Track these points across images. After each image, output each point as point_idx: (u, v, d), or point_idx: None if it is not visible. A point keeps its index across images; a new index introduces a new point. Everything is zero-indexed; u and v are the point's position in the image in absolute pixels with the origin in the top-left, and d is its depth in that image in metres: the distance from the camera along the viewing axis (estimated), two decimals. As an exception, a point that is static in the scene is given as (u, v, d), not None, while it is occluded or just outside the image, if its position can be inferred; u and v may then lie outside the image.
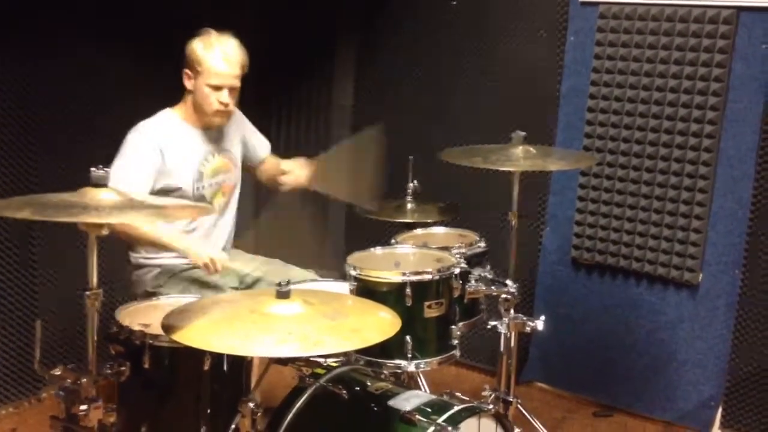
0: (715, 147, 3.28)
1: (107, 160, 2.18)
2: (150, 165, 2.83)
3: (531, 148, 2.90)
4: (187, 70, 2.87)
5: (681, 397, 3.50)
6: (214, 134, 3.01)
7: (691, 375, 3.47)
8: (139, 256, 2.98)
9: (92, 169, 2.08)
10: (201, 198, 2.94)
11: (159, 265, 2.95)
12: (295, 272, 3.04)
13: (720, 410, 3.42)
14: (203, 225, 2.99)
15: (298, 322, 2.00)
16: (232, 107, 2.92)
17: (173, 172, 2.88)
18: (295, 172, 3.22)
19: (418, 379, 3.13)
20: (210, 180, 2.99)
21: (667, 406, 3.53)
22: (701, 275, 3.38)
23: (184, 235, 2.92)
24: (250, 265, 3.08)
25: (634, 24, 3.39)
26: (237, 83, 2.88)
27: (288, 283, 2.07)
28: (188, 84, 2.88)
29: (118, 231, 2.78)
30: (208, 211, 2.28)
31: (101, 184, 2.06)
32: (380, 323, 2.11)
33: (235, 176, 3.11)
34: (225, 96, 2.85)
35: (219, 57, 2.82)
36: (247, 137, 3.19)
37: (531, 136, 3.66)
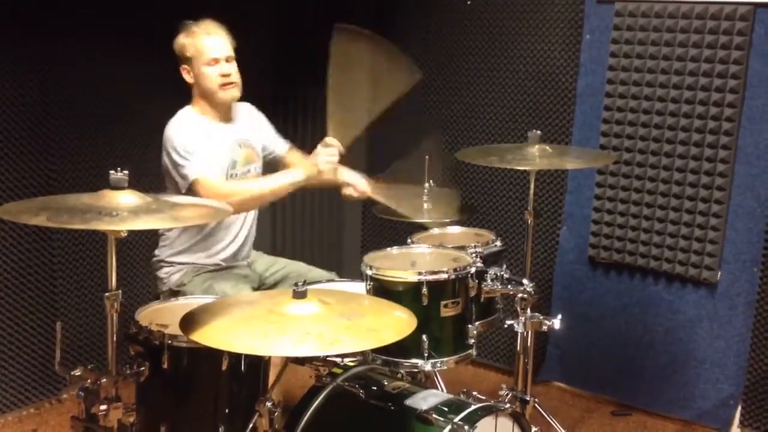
0: (732, 144, 3.26)
1: (127, 164, 2.21)
2: (205, 144, 2.86)
3: (547, 147, 2.90)
4: (182, 66, 2.91)
5: (700, 396, 3.48)
6: (236, 127, 3.03)
7: (710, 374, 3.45)
8: (163, 256, 3.00)
9: (111, 171, 2.10)
10: None
11: (183, 264, 2.97)
12: (316, 273, 3.06)
13: (739, 409, 3.40)
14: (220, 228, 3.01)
15: (315, 321, 2.01)
16: (237, 79, 2.92)
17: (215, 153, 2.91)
18: (359, 187, 3.10)
19: (435, 379, 3.13)
20: (242, 168, 3.01)
21: (685, 405, 3.52)
22: (720, 273, 3.37)
23: (283, 173, 2.93)
24: (272, 267, 3.10)
25: (650, 22, 3.38)
26: (231, 53, 2.90)
27: (305, 283, 2.08)
28: (189, 78, 2.91)
29: (236, 206, 2.70)
30: (227, 213, 2.29)
31: (120, 186, 2.08)
32: (396, 323, 2.11)
33: (260, 167, 3.11)
34: (225, 67, 2.88)
35: (203, 35, 2.88)
36: (264, 131, 3.18)
37: (547, 135, 3.69)
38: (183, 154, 2.81)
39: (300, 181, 2.87)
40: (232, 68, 2.90)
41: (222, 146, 2.95)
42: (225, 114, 2.99)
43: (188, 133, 2.86)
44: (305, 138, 4.34)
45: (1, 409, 3.35)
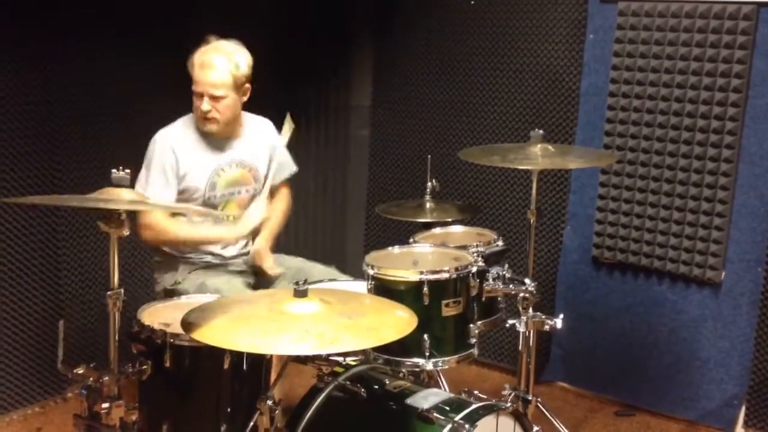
0: (736, 144, 3.26)
1: (129, 163, 2.22)
2: (168, 170, 2.89)
3: (549, 147, 2.90)
4: None
5: (704, 396, 3.47)
6: (233, 144, 3.02)
7: (714, 374, 3.44)
8: (161, 254, 3.02)
9: (113, 170, 2.11)
10: (211, 207, 2.97)
11: (177, 262, 2.99)
12: (317, 270, 3.06)
13: (743, 409, 3.39)
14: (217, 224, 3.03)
15: (315, 320, 2.01)
16: (216, 116, 2.89)
17: (187, 176, 2.92)
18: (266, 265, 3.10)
19: (439, 379, 3.13)
20: (223, 191, 3.01)
21: (689, 405, 3.51)
22: (724, 273, 3.36)
23: (212, 226, 2.98)
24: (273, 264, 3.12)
25: (654, 21, 3.38)
26: (217, 92, 2.86)
27: (305, 282, 2.09)
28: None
29: (150, 239, 2.92)
30: (224, 217, 2.32)
31: (121, 184, 2.09)
32: (397, 321, 2.12)
33: (254, 189, 3.09)
34: (205, 104, 2.86)
35: (198, 64, 2.86)
36: (275, 154, 3.11)
37: (551, 134, 3.69)
38: (143, 171, 2.90)
39: (214, 241, 3.01)
40: (217, 105, 2.87)
41: (206, 162, 2.96)
42: (227, 130, 2.98)
43: (156, 151, 2.90)
44: (308, 138, 4.37)
45: (6, 407, 3.37)
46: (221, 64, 2.85)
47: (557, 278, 3.80)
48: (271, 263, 3.04)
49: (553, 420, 3.10)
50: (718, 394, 3.44)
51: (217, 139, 2.98)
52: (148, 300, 2.66)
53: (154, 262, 3.04)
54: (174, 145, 2.91)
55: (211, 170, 2.96)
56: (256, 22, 3.84)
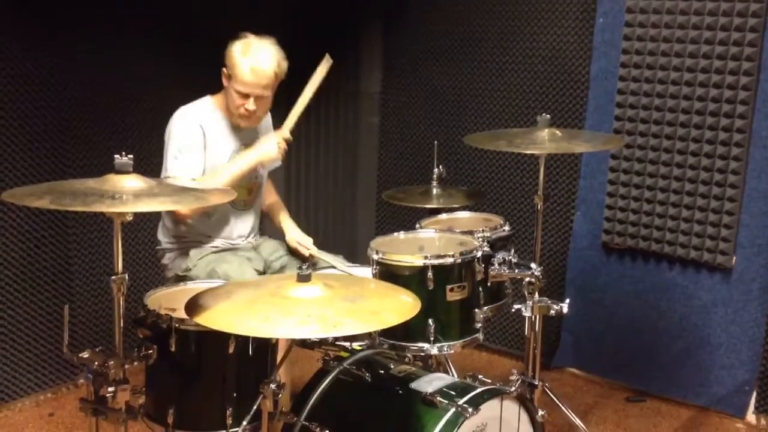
0: (747, 127, 3.22)
1: (138, 150, 2.24)
2: (199, 144, 2.90)
3: (557, 131, 2.88)
4: (224, 69, 2.91)
5: (715, 382, 3.45)
6: (249, 132, 3.05)
7: (724, 359, 3.42)
8: (167, 241, 3.03)
9: (116, 156, 2.12)
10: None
11: (184, 246, 3.00)
12: (324, 257, 3.07)
13: (754, 395, 3.37)
14: (222, 213, 3.03)
15: (318, 304, 2.01)
16: (260, 113, 2.95)
17: (210, 153, 2.94)
18: (304, 243, 3.13)
19: (447, 365, 3.13)
20: None
21: (700, 391, 3.49)
22: (735, 258, 3.33)
23: (238, 157, 2.97)
24: (278, 251, 3.12)
25: (664, 4, 3.34)
26: (265, 93, 2.90)
27: (309, 266, 2.09)
28: (225, 81, 2.93)
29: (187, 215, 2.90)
30: (231, 195, 2.31)
31: (124, 171, 2.10)
32: (400, 306, 2.11)
33: (262, 175, 3.14)
34: (251, 104, 2.89)
35: (248, 68, 2.84)
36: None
37: (561, 119, 3.67)
38: (174, 150, 2.88)
39: (251, 167, 2.95)
40: (260, 104, 2.91)
41: (226, 144, 2.97)
42: (235, 121, 2.99)
43: (187, 131, 2.90)
44: (318, 125, 4.38)
45: (19, 393, 3.40)
46: (269, 67, 2.86)
47: (567, 264, 3.79)
48: (311, 245, 3.10)
49: (560, 405, 3.09)
50: (729, 380, 3.42)
51: (233, 123, 3.00)
52: (155, 286, 2.67)
53: (163, 249, 3.05)
54: (202, 122, 2.92)
55: (231, 152, 2.99)
56: (265, 9, 3.84)
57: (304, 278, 2.07)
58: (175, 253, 3.02)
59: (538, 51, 3.75)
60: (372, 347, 2.60)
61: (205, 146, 2.92)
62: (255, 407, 2.17)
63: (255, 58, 2.85)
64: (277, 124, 3.09)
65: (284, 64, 2.92)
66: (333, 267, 2.99)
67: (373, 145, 4.42)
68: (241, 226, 3.08)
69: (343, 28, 4.32)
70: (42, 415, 3.37)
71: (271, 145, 2.95)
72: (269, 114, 3.17)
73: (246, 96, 2.87)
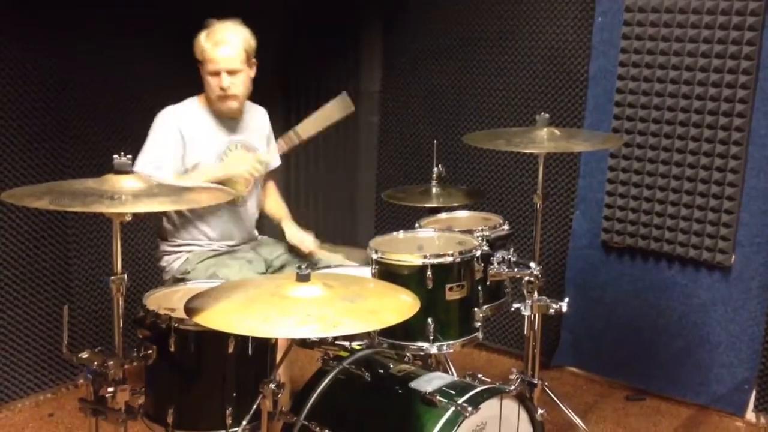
0: (746, 126, 3.22)
1: (133, 150, 2.24)
2: (172, 145, 2.91)
3: (556, 130, 2.88)
4: (198, 63, 2.93)
5: (714, 381, 3.46)
6: (238, 127, 3.05)
7: (724, 358, 3.42)
8: (166, 243, 3.03)
9: (115, 156, 2.13)
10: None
11: (186, 251, 3.00)
12: (324, 257, 3.08)
13: (754, 393, 3.37)
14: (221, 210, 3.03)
15: (317, 304, 2.01)
16: (237, 92, 2.94)
17: (194, 151, 2.94)
18: (306, 244, 3.13)
19: (447, 365, 3.14)
20: None
21: (700, 389, 3.49)
22: (734, 257, 3.33)
23: (213, 165, 2.96)
24: (278, 250, 3.13)
25: (663, 3, 3.34)
26: (235, 65, 2.90)
27: (308, 266, 2.09)
28: (201, 73, 2.95)
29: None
30: (230, 194, 2.31)
31: (123, 171, 2.10)
32: (399, 305, 2.12)
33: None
34: (225, 80, 2.89)
35: (212, 43, 2.88)
36: (270, 140, 3.21)
37: (560, 118, 3.67)
38: (147, 146, 2.90)
39: (220, 180, 2.88)
40: (235, 80, 2.91)
41: (213, 143, 2.98)
42: (218, 110, 3.00)
43: (163, 132, 2.91)
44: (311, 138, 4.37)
45: (18, 393, 3.41)
46: (233, 38, 2.89)
47: (567, 263, 3.79)
48: (312, 243, 3.12)
49: (560, 404, 3.10)
50: (728, 378, 3.42)
51: (224, 120, 3.00)
52: (155, 286, 2.68)
53: (162, 251, 3.05)
54: (180, 125, 2.93)
55: (222, 149, 2.99)
56: (265, 9, 3.84)
57: (303, 278, 2.07)
58: (175, 255, 3.01)
59: (537, 50, 3.75)
60: (371, 347, 2.61)
61: (184, 146, 2.92)
62: (254, 407, 2.17)
63: (219, 35, 2.89)
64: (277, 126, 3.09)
65: (252, 40, 2.93)
66: (333, 267, 2.99)
67: (373, 145, 4.42)
68: (239, 224, 3.08)
69: (343, 28, 4.32)
70: (42, 415, 3.37)
71: (245, 166, 2.94)
72: (264, 111, 3.17)
73: (217, 74, 2.88)
